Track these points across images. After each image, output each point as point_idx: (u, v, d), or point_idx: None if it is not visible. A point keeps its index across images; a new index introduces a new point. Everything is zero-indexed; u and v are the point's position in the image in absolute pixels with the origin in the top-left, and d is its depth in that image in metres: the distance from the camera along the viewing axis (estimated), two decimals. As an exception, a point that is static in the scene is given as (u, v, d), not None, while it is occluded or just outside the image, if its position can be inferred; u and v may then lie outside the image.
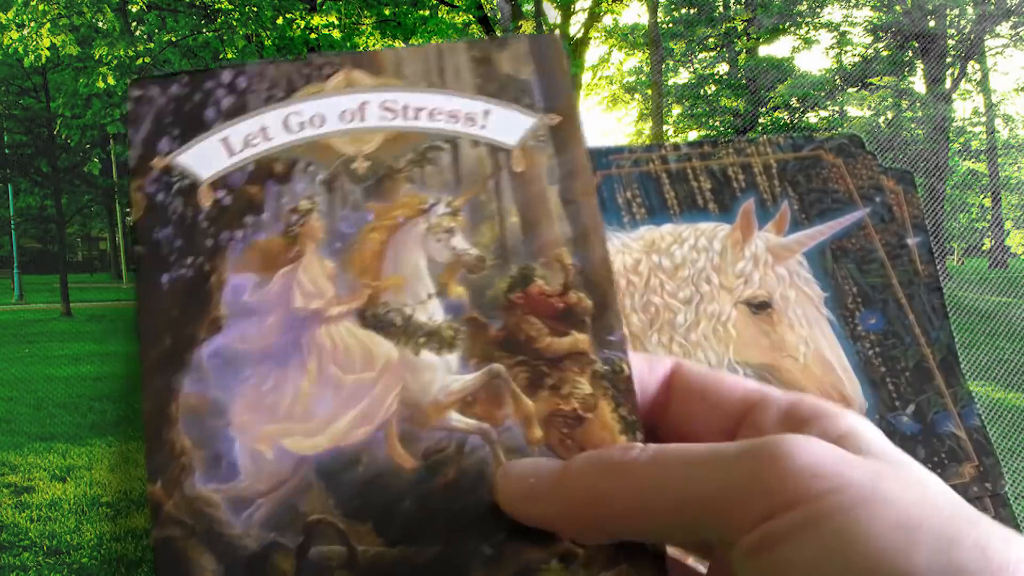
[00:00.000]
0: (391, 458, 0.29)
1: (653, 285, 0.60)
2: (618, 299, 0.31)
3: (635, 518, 0.25)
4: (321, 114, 0.31)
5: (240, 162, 0.31)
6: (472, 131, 0.32)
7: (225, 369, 0.29)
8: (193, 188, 0.31)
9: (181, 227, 0.30)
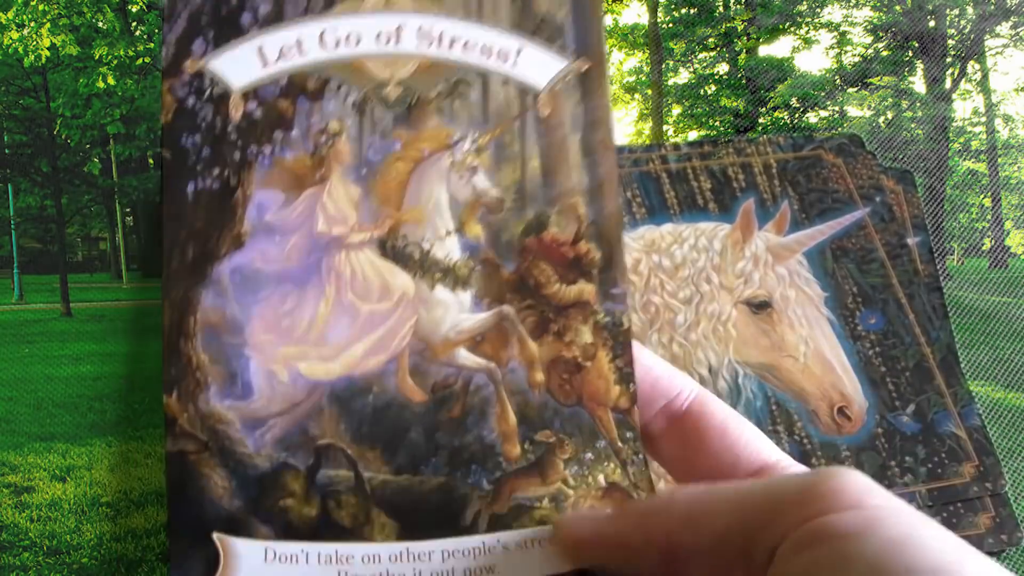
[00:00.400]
0: (401, 389, 0.30)
1: (653, 285, 0.60)
2: (624, 254, 0.32)
3: (693, 530, 0.26)
4: (357, 33, 0.31)
5: (274, 74, 0.31)
6: (503, 68, 0.32)
7: (244, 286, 0.29)
8: (225, 96, 0.30)
9: (210, 136, 0.30)
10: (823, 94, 0.76)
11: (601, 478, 0.31)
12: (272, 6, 0.31)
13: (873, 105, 0.77)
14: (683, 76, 0.80)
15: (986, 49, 0.80)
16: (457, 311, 0.31)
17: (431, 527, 0.29)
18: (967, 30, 0.80)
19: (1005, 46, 0.81)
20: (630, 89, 0.83)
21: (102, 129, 0.71)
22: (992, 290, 0.68)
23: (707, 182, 0.64)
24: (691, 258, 0.60)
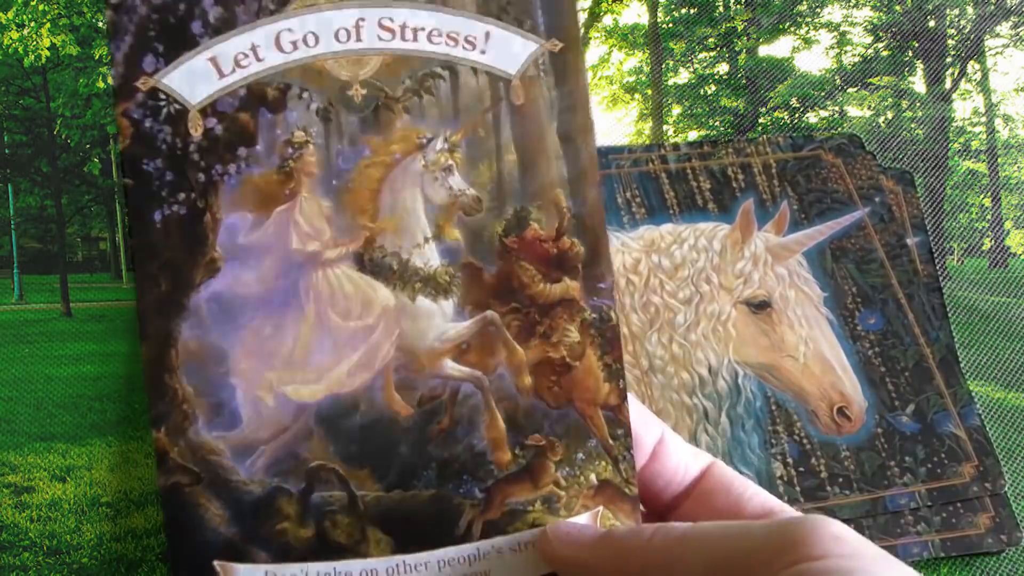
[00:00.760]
0: (388, 405, 0.30)
1: (653, 285, 0.60)
2: (609, 245, 0.31)
3: (669, 572, 0.26)
4: (314, 32, 0.29)
5: (230, 85, 0.29)
6: (472, 56, 0.30)
7: (223, 314, 0.29)
8: (182, 114, 0.29)
9: (171, 158, 0.29)
10: (823, 94, 0.76)
11: (592, 477, 0.31)
12: (223, 11, 0.29)
13: (873, 105, 0.77)
14: (683, 76, 0.80)
15: (986, 49, 0.80)
16: (441, 320, 0.30)
17: (425, 539, 0.29)
18: (967, 30, 0.80)
19: (1005, 46, 0.81)
20: (630, 89, 0.83)
21: (102, 129, 0.71)
22: (992, 290, 0.68)
23: (707, 182, 0.64)
24: (691, 258, 0.60)
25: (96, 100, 0.79)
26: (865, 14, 0.86)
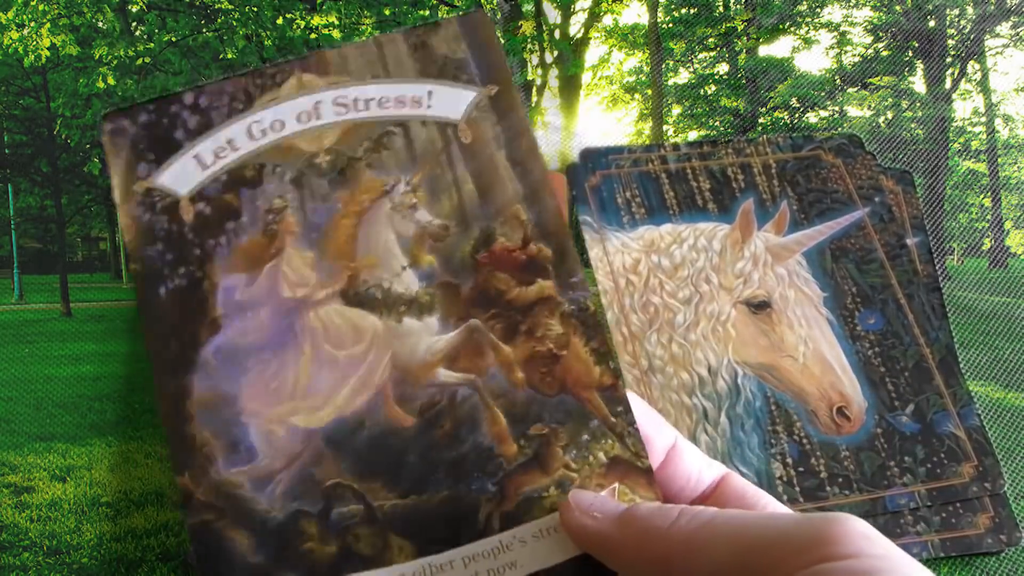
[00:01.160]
0: (391, 418, 0.31)
1: (653, 285, 0.60)
2: (574, 246, 0.34)
3: (691, 558, 0.26)
4: (280, 119, 0.34)
5: (213, 174, 0.33)
6: (419, 112, 0.34)
7: (229, 363, 0.31)
8: (175, 204, 0.33)
9: (169, 242, 0.33)
10: (823, 94, 0.76)
11: (601, 455, 0.32)
12: (200, 118, 0.34)
13: (873, 105, 0.77)
14: (683, 76, 0.80)
15: (986, 49, 0.80)
16: (428, 335, 0.32)
17: (447, 539, 0.31)
18: (967, 30, 0.80)
19: (1005, 46, 0.81)
20: (630, 89, 0.83)
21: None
22: (992, 290, 0.68)
23: (706, 182, 0.64)
24: (690, 258, 0.61)
25: (96, 100, 0.79)
26: (865, 14, 0.86)
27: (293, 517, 0.30)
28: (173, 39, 0.80)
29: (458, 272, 0.33)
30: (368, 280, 0.33)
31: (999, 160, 0.80)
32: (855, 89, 0.81)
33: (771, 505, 0.31)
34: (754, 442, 0.55)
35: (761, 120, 0.79)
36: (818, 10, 0.85)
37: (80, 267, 0.78)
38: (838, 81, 0.81)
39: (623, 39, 0.84)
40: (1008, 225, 0.78)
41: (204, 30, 0.81)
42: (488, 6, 0.82)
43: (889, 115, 0.80)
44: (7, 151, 0.76)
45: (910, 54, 0.83)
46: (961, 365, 0.59)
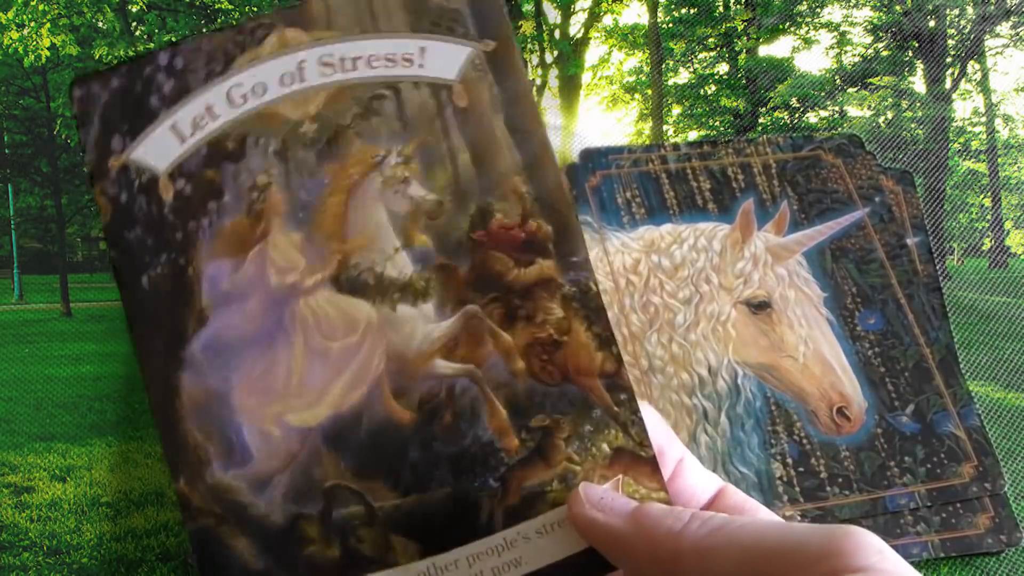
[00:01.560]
0: (389, 414, 0.30)
1: (653, 285, 0.60)
2: (577, 221, 0.31)
3: (702, 562, 0.26)
4: (262, 82, 0.31)
5: (193, 147, 0.31)
6: (411, 72, 0.31)
7: (219, 359, 0.30)
8: (153, 182, 0.30)
9: (149, 224, 0.30)
10: (823, 94, 0.76)
11: (605, 446, 0.31)
12: (176, 81, 0.31)
13: (873, 105, 0.77)
14: (683, 76, 0.80)
15: (986, 49, 0.80)
16: (423, 324, 0.31)
17: (450, 538, 0.30)
18: (967, 30, 0.80)
19: (1005, 46, 0.81)
20: (630, 89, 0.83)
21: (102, 129, 0.71)
22: (992, 290, 0.68)
23: (706, 182, 0.64)
24: (690, 258, 0.61)
25: (96, 100, 0.79)
26: (865, 14, 0.86)
27: (293, 520, 0.29)
28: (173, 39, 0.80)
29: (454, 253, 0.31)
30: (360, 264, 0.31)
31: (999, 160, 0.80)
32: (855, 89, 0.81)
33: (771, 517, 0.31)
34: (754, 442, 0.55)
35: (761, 120, 0.79)
36: (818, 10, 0.85)
37: (80, 267, 0.78)
38: (838, 81, 0.81)
39: (623, 39, 0.84)
40: (1008, 225, 0.78)
41: (204, 30, 0.81)
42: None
43: (889, 115, 0.80)
44: (7, 151, 0.76)
45: (910, 54, 0.83)
46: (961, 365, 0.59)
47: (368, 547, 0.30)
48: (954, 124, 0.81)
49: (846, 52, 0.84)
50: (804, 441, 0.56)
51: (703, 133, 0.79)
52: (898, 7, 0.85)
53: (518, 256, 0.31)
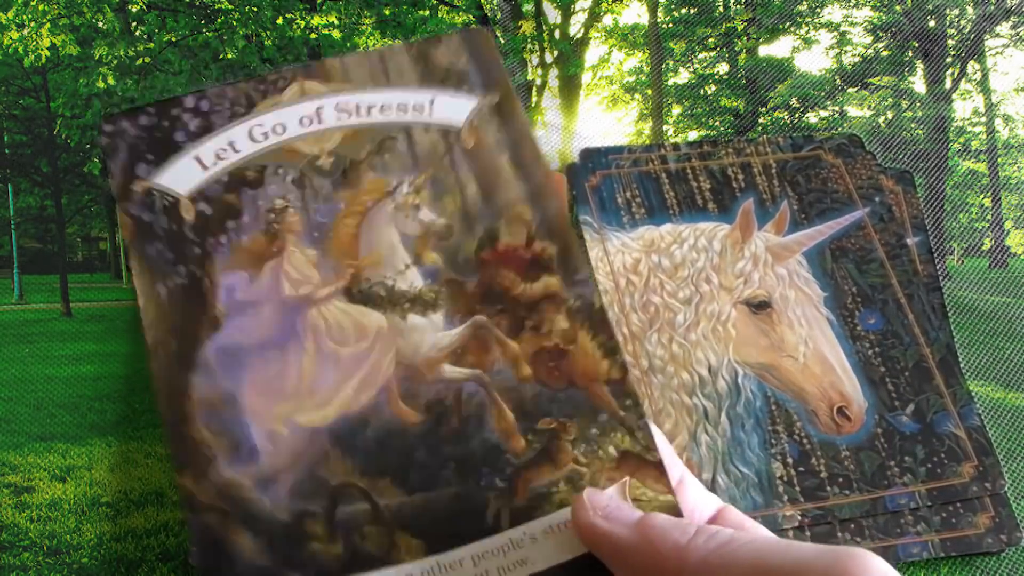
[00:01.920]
0: (397, 416, 0.31)
1: (653, 285, 0.60)
2: (578, 244, 0.33)
3: (711, 571, 0.26)
4: (282, 123, 0.33)
5: (215, 175, 0.33)
6: (422, 119, 0.34)
7: (230, 362, 0.31)
8: (175, 204, 0.33)
9: (169, 240, 0.32)
10: (823, 94, 0.76)
11: (612, 449, 0.31)
12: (201, 120, 0.33)
13: (873, 105, 0.77)
14: (683, 76, 0.80)
15: (986, 49, 0.80)
16: (433, 331, 0.32)
17: (456, 537, 0.30)
18: (967, 30, 0.80)
19: (1005, 46, 0.81)
20: (630, 89, 0.83)
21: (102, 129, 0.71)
22: (992, 290, 0.68)
23: (707, 182, 0.64)
24: (691, 258, 0.61)
25: (96, 100, 0.79)
26: (865, 14, 0.86)
27: (299, 518, 0.30)
28: (173, 39, 0.80)
29: (463, 269, 0.32)
30: (371, 278, 0.32)
31: (999, 160, 0.80)
32: (855, 89, 0.81)
33: (769, 536, 0.31)
34: (754, 442, 0.55)
35: (761, 120, 0.79)
36: (818, 10, 0.85)
37: (80, 267, 0.78)
38: (838, 81, 0.81)
39: (623, 39, 0.84)
40: (1008, 225, 0.78)
41: (204, 30, 0.81)
42: (488, 6, 0.82)
43: (889, 115, 0.80)
44: (7, 151, 0.76)
45: (910, 54, 0.83)
46: (961, 365, 0.59)
47: (372, 545, 0.30)
48: (954, 124, 0.81)
49: (846, 52, 0.84)
50: (804, 441, 0.56)
51: (703, 133, 0.79)
52: (898, 7, 0.85)
53: (524, 273, 0.33)
